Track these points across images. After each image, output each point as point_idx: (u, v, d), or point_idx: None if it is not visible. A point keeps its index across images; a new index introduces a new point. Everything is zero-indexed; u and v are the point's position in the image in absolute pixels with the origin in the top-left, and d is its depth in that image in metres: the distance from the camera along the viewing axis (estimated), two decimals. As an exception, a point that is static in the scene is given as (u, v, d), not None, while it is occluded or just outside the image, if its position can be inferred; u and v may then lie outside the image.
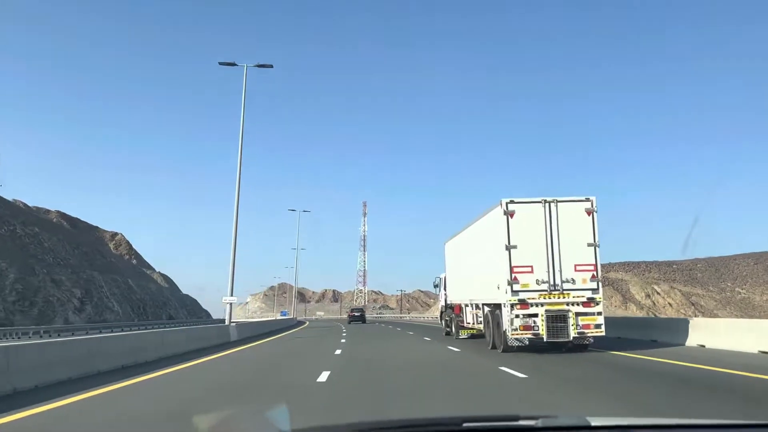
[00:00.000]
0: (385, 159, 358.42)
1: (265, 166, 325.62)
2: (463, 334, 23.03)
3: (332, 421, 5.38)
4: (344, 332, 34.26)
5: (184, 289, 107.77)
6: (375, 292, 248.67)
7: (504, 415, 2.58)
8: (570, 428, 2.27)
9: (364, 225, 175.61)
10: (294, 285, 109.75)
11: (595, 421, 2.23)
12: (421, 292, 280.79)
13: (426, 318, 72.76)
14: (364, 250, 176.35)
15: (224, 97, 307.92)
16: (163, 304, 72.23)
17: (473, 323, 20.83)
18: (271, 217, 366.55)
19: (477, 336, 21.82)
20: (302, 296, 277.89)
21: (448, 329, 26.39)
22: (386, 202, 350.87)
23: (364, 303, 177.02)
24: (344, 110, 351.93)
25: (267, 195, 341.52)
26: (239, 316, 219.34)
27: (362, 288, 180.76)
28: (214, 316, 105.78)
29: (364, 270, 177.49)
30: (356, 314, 60.43)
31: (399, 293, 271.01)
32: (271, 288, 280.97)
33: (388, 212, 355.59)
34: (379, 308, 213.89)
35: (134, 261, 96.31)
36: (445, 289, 26.66)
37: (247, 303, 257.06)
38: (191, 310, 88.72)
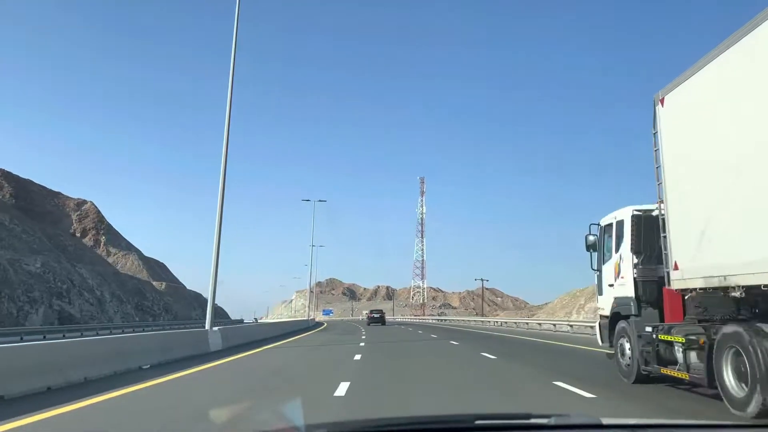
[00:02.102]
0: (443, 141, 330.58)
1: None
2: None
3: None
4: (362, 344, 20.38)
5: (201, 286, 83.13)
6: (433, 289, 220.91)
7: (516, 413, 2.50)
8: (581, 426, 2.24)
9: (422, 206, 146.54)
10: (309, 287, 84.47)
11: (606, 420, 2.22)
12: (487, 290, 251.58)
13: (554, 328, 36.49)
14: (422, 237, 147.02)
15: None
16: (79, 294, 47.29)
17: None
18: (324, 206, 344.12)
19: None
20: (352, 293, 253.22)
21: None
22: (439, 191, 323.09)
23: (423, 301, 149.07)
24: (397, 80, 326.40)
25: (317, 178, 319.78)
26: (282, 315, 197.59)
27: (420, 283, 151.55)
28: (232, 316, 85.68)
29: (422, 260, 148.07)
30: (375, 316, 58.82)
31: (462, 291, 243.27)
32: (318, 284, 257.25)
33: (441, 199, 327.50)
34: (440, 307, 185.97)
35: (102, 237, 75.11)
36: (663, 249, 8.71)
37: (291, 300, 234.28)
38: (146, 305, 61.41)
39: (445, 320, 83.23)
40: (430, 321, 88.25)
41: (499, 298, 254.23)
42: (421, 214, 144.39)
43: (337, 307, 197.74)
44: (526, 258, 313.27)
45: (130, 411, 7.56)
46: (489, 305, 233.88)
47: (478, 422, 2.12)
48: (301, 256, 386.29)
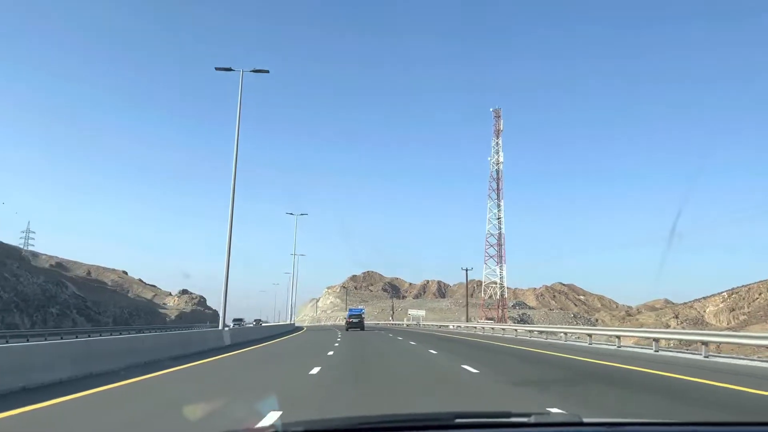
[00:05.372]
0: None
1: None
2: None
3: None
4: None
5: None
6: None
7: (496, 412, 2.50)
8: (561, 424, 2.24)
9: (498, 152, 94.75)
10: (292, 296, 39.06)
11: (586, 419, 2.22)
12: (564, 285, 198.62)
13: None
14: (499, 198, 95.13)
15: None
16: None
17: None
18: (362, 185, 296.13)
19: None
20: (395, 289, 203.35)
21: None
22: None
23: (501, 295, 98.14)
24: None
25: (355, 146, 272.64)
26: (306, 317, 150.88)
27: (495, 270, 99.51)
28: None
29: (500, 233, 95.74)
30: (354, 321, 55.60)
31: (539, 286, 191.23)
32: (352, 278, 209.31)
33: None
34: (513, 307, 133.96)
35: None
36: None
37: (319, 298, 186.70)
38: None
39: (541, 331, 33.14)
40: (530, 335, 38.55)
41: (581, 296, 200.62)
42: (497, 163, 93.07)
43: (373, 305, 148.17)
44: (598, 247, 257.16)
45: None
46: (575, 304, 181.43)
47: (458, 420, 2.11)
48: (346, 251, 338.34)
